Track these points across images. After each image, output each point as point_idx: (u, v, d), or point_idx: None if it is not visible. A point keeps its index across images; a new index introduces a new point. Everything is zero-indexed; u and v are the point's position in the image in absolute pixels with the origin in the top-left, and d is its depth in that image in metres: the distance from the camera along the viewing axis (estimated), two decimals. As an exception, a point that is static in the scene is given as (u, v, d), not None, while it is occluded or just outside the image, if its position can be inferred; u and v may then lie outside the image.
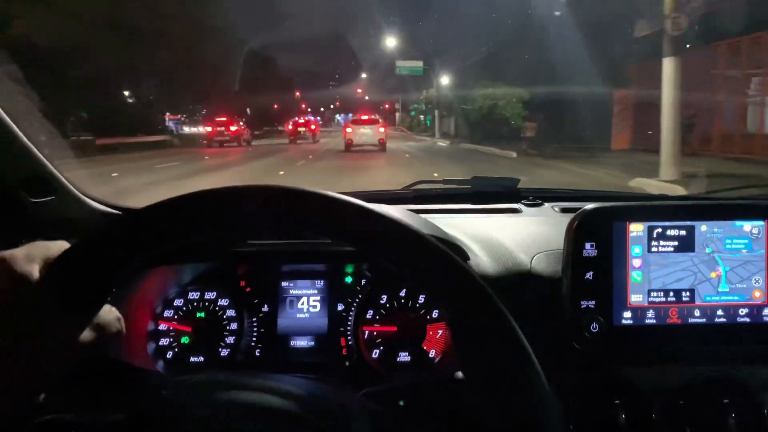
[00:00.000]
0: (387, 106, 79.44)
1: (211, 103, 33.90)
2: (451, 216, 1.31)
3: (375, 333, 1.07)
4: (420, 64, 32.16)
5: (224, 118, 25.33)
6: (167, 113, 34.29)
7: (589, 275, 0.87)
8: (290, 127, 30.74)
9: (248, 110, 43.10)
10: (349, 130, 20.84)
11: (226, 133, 24.85)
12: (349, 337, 1.07)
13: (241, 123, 27.12)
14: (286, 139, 29.97)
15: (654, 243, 0.88)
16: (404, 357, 1.06)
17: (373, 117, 21.80)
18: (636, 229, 0.88)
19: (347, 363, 1.07)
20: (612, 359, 0.86)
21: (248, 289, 1.09)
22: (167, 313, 1.07)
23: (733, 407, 0.81)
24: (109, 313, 0.53)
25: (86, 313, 0.50)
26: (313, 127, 30.53)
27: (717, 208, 0.88)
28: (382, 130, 20.36)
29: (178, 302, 1.07)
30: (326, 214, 0.51)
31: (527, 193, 1.49)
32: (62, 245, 0.51)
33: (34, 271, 0.47)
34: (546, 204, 1.44)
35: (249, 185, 0.52)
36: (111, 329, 0.53)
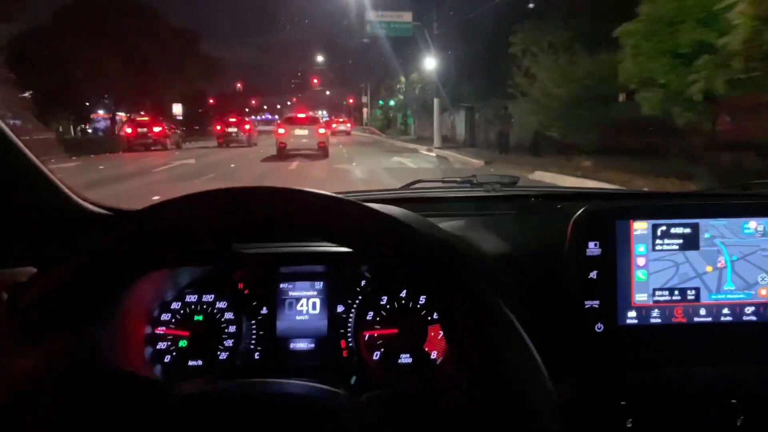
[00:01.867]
0: (351, 100, 61.91)
1: (124, 99, 27.72)
2: (453, 215, 1.30)
3: (375, 335, 1.05)
4: (407, 17, 19.00)
5: (146, 118, 21.66)
6: (99, 111, 28.54)
7: (593, 274, 0.85)
8: (218, 127, 24.07)
9: (177, 107, 35.31)
10: (281, 131, 16.47)
11: (149, 135, 20.82)
12: (350, 339, 1.06)
13: (165, 123, 22.68)
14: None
15: (658, 241, 0.87)
16: (406, 359, 1.04)
17: (311, 115, 17.63)
18: (640, 227, 0.87)
19: (348, 365, 1.05)
20: (617, 360, 0.85)
21: (246, 292, 1.07)
22: (164, 317, 1.05)
23: (741, 408, 0.79)
24: (91, 338, 0.52)
25: (73, 331, 0.48)
26: (247, 126, 24.01)
27: (722, 206, 0.87)
28: (322, 131, 16.49)
29: (175, 305, 1.05)
30: (334, 218, 0.50)
31: (527, 192, 1.48)
32: (29, 271, 0.49)
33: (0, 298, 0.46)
34: (546, 202, 1.43)
35: (249, 187, 0.50)
36: (92, 355, 0.51)
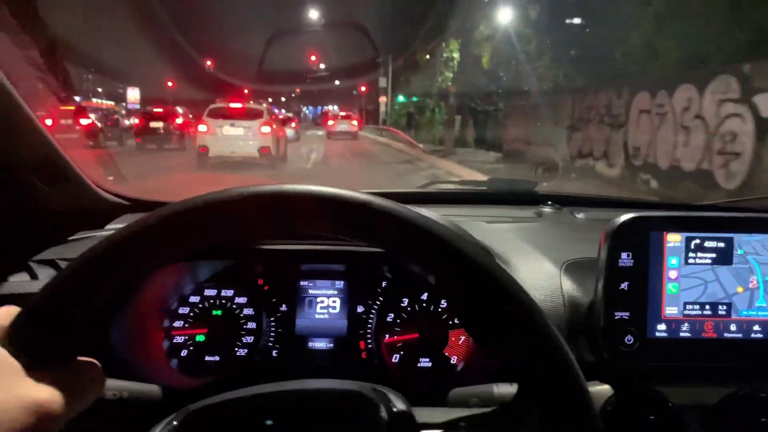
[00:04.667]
0: (364, 88, 38.35)
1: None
2: (470, 218, 1.29)
3: (395, 337, 1.04)
4: None
5: (71, 107, 14.50)
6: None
7: (624, 285, 0.84)
8: (136, 121, 17.21)
9: (134, 93, 28.35)
10: (202, 128, 11.23)
11: (76, 128, 13.88)
12: (369, 341, 1.04)
13: (98, 113, 16.95)
14: (183, 141, 16.08)
15: (692, 254, 0.86)
16: (425, 363, 1.03)
17: (250, 106, 12.53)
18: (674, 239, 0.86)
19: (366, 366, 1.04)
20: (645, 373, 0.84)
21: (266, 288, 1.06)
22: (182, 311, 1.03)
23: None
24: (85, 366, 0.48)
25: (55, 371, 0.45)
26: (179, 120, 16.61)
27: (758, 220, 0.85)
28: (266, 130, 11.27)
29: (193, 299, 1.04)
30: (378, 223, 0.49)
31: (545, 198, 1.47)
32: (9, 310, 0.46)
33: None
34: (565, 209, 1.42)
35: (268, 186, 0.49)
36: (88, 385, 0.47)
